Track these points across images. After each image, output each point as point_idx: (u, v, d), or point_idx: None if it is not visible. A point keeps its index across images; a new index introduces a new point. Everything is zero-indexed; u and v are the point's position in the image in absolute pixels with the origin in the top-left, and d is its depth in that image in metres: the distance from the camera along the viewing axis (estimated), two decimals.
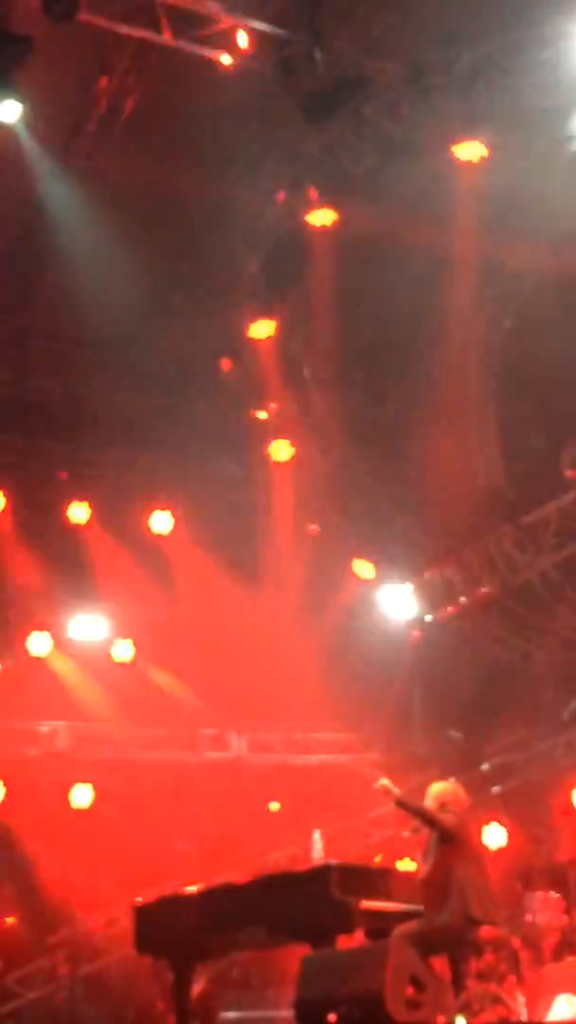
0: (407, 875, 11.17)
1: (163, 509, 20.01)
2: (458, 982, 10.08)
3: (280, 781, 19.96)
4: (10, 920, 19.42)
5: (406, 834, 17.37)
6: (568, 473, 17.54)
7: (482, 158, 15.30)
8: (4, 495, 19.37)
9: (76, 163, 16.66)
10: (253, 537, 19.40)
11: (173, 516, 20.02)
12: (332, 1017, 9.00)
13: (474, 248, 16.72)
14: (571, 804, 17.32)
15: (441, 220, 16.27)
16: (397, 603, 18.86)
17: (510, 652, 19.01)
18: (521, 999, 11.35)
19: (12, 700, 18.68)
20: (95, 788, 19.24)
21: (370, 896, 10.56)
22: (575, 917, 13.81)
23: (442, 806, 10.40)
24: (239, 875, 14.30)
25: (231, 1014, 15.63)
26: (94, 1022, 18.42)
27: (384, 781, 10.37)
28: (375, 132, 15.64)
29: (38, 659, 19.30)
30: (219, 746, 20.23)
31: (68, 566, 19.75)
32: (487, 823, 17.24)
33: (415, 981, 9.04)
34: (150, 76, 15.86)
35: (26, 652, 19.25)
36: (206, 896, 11.54)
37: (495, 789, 18.14)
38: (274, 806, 19.78)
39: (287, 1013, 9.63)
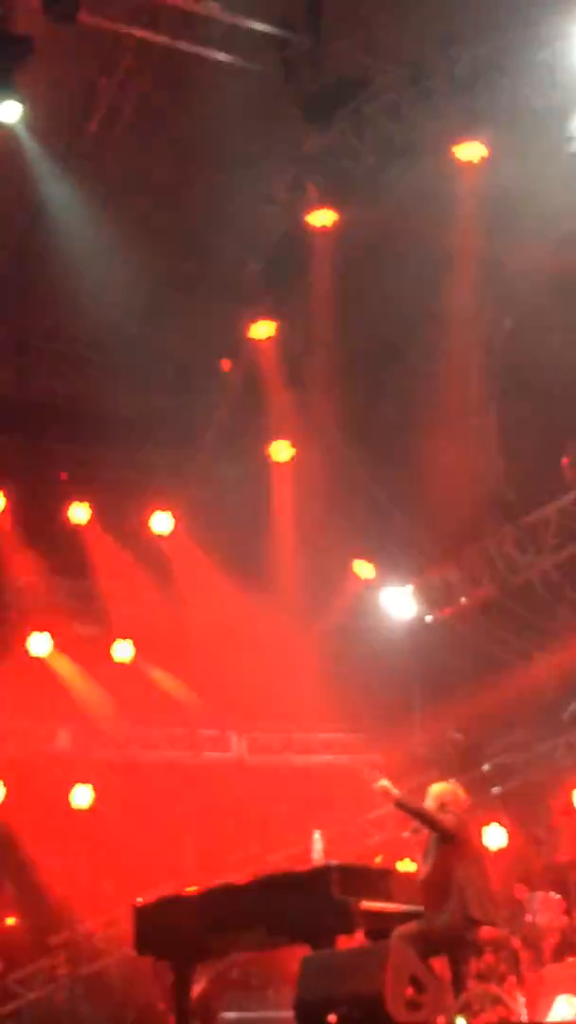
0: (407, 876, 11.16)
1: (163, 509, 20.02)
2: (458, 983, 10.07)
3: (280, 781, 19.96)
4: (10, 921, 19.43)
5: (406, 835, 17.38)
6: (568, 474, 17.54)
7: (482, 158, 15.29)
8: (4, 495, 19.38)
9: (77, 163, 16.66)
10: (254, 537, 19.39)
11: (173, 516, 20.02)
12: (332, 1017, 8.98)
13: (474, 248, 16.70)
14: (571, 805, 17.32)
15: (441, 220, 16.26)
16: (397, 603, 18.86)
17: (510, 653, 19.00)
18: (521, 1000, 11.36)
19: (12, 701, 18.68)
20: (95, 788, 19.24)
21: (370, 897, 10.54)
22: (575, 918, 13.82)
23: (442, 806, 10.40)
24: (239, 875, 14.31)
25: (231, 1014, 15.63)
26: (94, 1022, 18.43)
27: (384, 782, 10.36)
28: (375, 132, 15.63)
29: (38, 659, 19.31)
30: (219, 746, 20.23)
31: (68, 566, 19.78)
32: (487, 824, 17.24)
33: (415, 982, 9.02)
34: (150, 77, 15.89)
35: (26, 652, 19.26)
36: (206, 896, 11.52)
37: (495, 790, 18.14)
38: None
39: (287, 1013, 9.61)
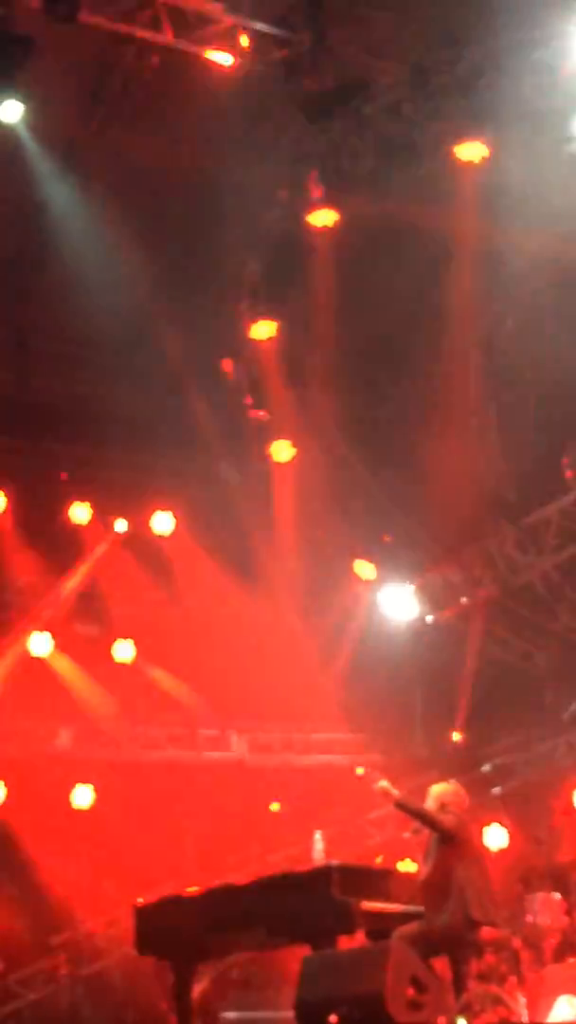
0: (408, 876, 11.16)
1: (164, 509, 20.01)
2: (459, 983, 10.08)
3: (281, 782, 19.95)
4: (10, 922, 19.41)
5: (407, 835, 17.27)
6: (568, 474, 17.54)
7: (483, 158, 15.28)
8: (5, 495, 19.38)
9: (77, 163, 16.65)
10: (254, 537, 19.40)
11: (174, 516, 20.02)
12: (333, 1018, 8.97)
13: (475, 248, 16.71)
14: (572, 805, 17.32)
15: (442, 220, 16.26)
16: (398, 604, 18.86)
17: (511, 653, 19.01)
18: (522, 1000, 11.35)
19: (13, 701, 18.68)
20: (96, 789, 19.23)
21: (371, 897, 10.55)
22: None
23: (442, 807, 10.40)
24: (240, 875, 14.32)
25: (232, 1014, 15.62)
26: (95, 1023, 18.43)
27: (383, 783, 10.36)
28: (376, 133, 15.61)
29: (39, 659, 19.30)
30: (220, 746, 20.21)
31: (69, 567, 19.78)
32: (488, 824, 17.24)
33: (416, 982, 9.02)
34: (151, 77, 15.86)
35: (27, 652, 19.25)
36: (207, 897, 11.52)
37: (496, 790, 18.15)
38: (275, 807, 19.74)
39: (288, 1014, 9.61)
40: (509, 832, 17.55)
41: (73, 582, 19.78)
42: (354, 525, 19.53)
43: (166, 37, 14.62)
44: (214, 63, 14.98)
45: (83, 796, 19.22)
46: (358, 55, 15.21)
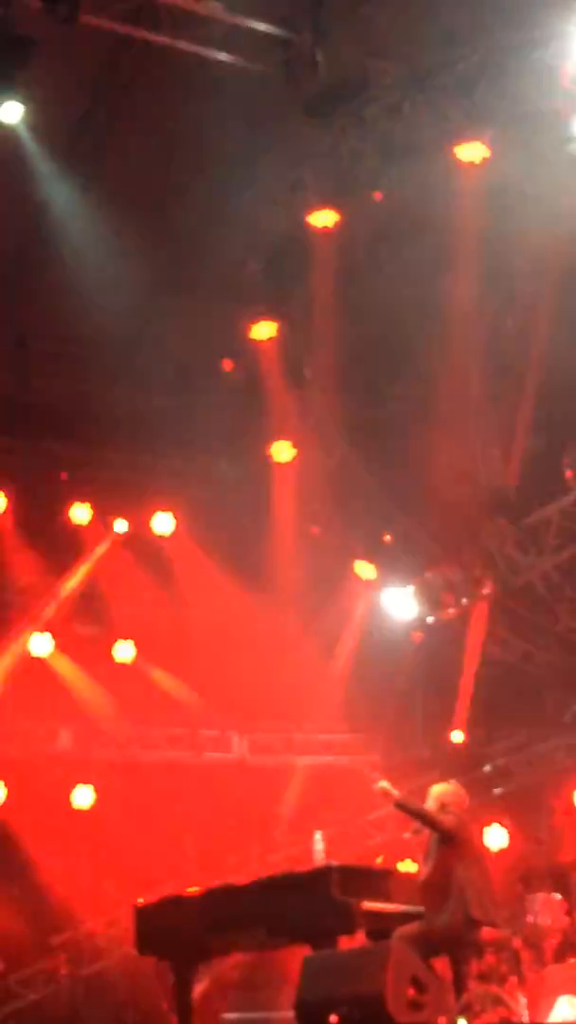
0: (408, 876, 11.17)
1: (165, 510, 20.02)
2: (459, 983, 10.08)
3: (281, 782, 19.95)
4: (11, 922, 19.41)
5: (407, 835, 17.30)
6: (569, 474, 17.54)
7: (484, 159, 15.27)
8: (5, 496, 19.38)
9: (78, 164, 16.65)
10: (255, 538, 19.40)
11: (175, 517, 20.02)
12: (333, 1018, 8.98)
13: (475, 249, 16.70)
14: (572, 805, 17.33)
15: (442, 221, 16.26)
16: (398, 604, 18.86)
17: (511, 653, 19.00)
18: (523, 1000, 11.37)
19: (13, 701, 18.68)
20: (96, 789, 19.24)
21: (371, 897, 10.56)
22: None
23: (443, 807, 10.40)
24: (240, 876, 14.32)
25: (232, 1015, 15.63)
26: (95, 1023, 18.43)
27: (383, 783, 10.37)
28: (376, 133, 15.60)
29: (39, 660, 19.30)
30: (220, 747, 20.22)
31: (69, 567, 19.77)
32: (488, 824, 17.25)
33: (416, 982, 9.03)
34: (151, 77, 15.85)
35: (27, 653, 19.25)
36: (207, 897, 11.54)
37: (496, 791, 18.15)
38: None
39: (288, 1014, 9.61)
40: (509, 832, 17.56)
41: (73, 582, 19.78)
42: (354, 525, 19.52)
43: (166, 38, 14.60)
44: (214, 63, 14.97)
45: (83, 796, 19.23)
46: (358, 55, 15.19)
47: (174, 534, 20.02)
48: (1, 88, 13.83)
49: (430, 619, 18.79)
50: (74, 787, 19.19)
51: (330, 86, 15.02)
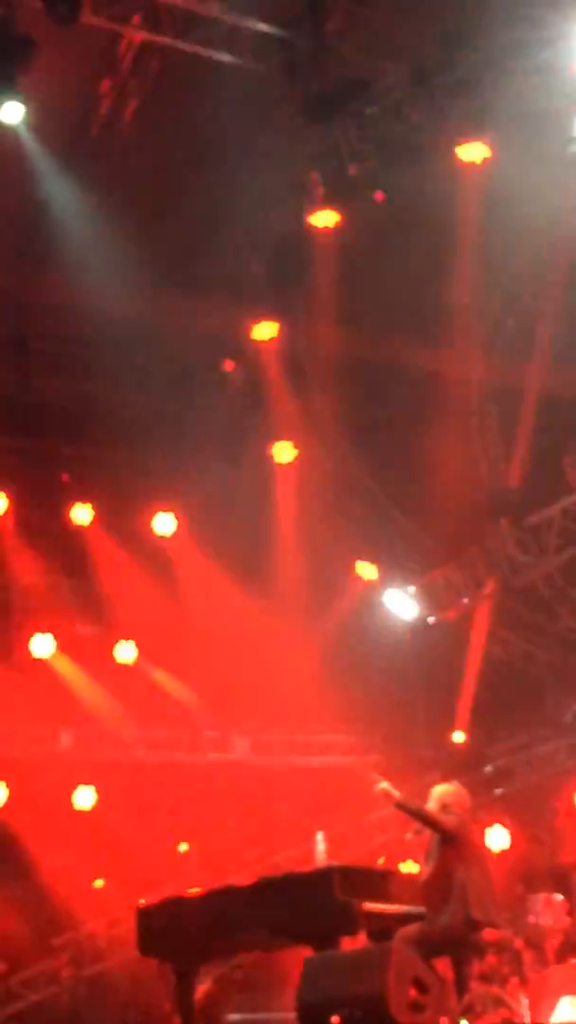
0: (409, 877, 11.15)
1: (166, 510, 20.01)
2: (461, 984, 10.07)
3: (283, 783, 19.95)
4: (12, 923, 19.41)
5: (409, 836, 17.29)
6: (570, 474, 17.54)
7: (485, 159, 15.27)
8: (6, 496, 19.37)
9: (79, 164, 16.64)
10: (256, 539, 19.39)
11: (176, 517, 20.01)
12: (335, 1019, 8.97)
13: (476, 249, 16.70)
14: (573, 806, 17.33)
15: (444, 221, 16.25)
16: (400, 604, 18.85)
17: (513, 654, 19.00)
18: (524, 1001, 11.36)
19: (15, 702, 18.67)
20: (98, 790, 19.24)
21: (373, 898, 10.54)
22: None
23: (444, 807, 10.38)
24: (242, 877, 14.30)
25: (232, 1016, 15.60)
26: None
27: (384, 784, 10.35)
28: (377, 133, 15.60)
29: (41, 661, 19.30)
30: (222, 748, 20.22)
31: (71, 568, 19.76)
32: (490, 825, 17.24)
33: (418, 983, 9.01)
34: (152, 77, 15.86)
35: (29, 654, 19.25)
36: (209, 898, 11.52)
37: (498, 791, 18.14)
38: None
39: (289, 1015, 9.60)
40: (511, 833, 17.55)
41: (74, 583, 19.77)
42: (355, 526, 19.52)
43: (167, 38, 14.60)
44: (215, 63, 14.97)
45: (85, 797, 19.23)
46: (359, 55, 15.19)
47: (175, 534, 20.01)
48: (2, 88, 13.83)
49: (431, 619, 18.79)
50: (75, 788, 19.19)
51: (331, 86, 15.01)
